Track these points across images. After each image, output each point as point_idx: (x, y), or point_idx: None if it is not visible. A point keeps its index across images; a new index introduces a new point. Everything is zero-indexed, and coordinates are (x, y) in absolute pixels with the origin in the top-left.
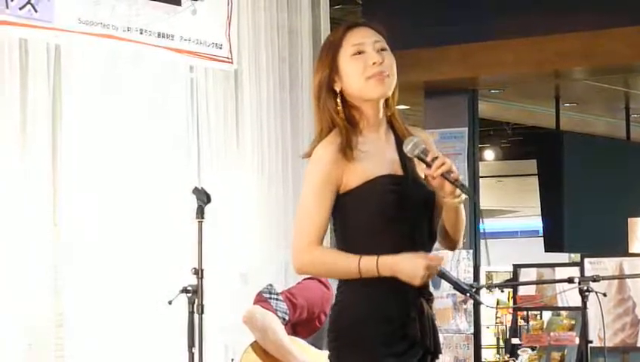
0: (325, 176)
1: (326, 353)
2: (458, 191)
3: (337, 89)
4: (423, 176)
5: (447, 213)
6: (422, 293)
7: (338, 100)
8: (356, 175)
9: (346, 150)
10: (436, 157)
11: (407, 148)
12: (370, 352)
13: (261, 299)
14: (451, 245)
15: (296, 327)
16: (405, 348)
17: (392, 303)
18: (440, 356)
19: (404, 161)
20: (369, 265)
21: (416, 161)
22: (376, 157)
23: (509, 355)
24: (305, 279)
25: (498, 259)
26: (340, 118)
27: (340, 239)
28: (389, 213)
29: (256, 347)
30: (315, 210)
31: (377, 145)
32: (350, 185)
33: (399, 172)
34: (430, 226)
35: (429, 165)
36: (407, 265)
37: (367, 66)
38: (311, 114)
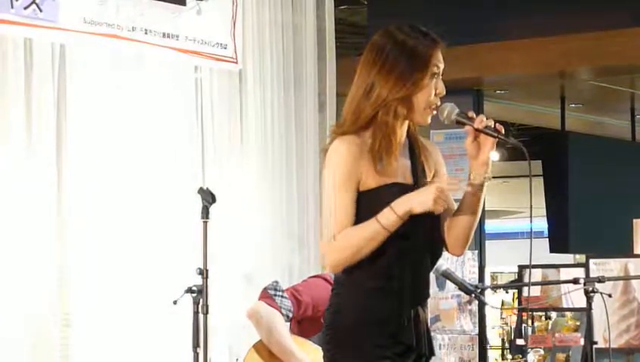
0: (348, 170)
1: None
2: (488, 171)
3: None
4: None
5: (467, 203)
6: (417, 300)
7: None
8: (374, 178)
9: (382, 155)
10: (474, 116)
11: (443, 115)
12: (364, 354)
13: (266, 296)
14: (460, 247)
15: (301, 325)
16: (400, 351)
17: (387, 306)
18: (435, 357)
19: (416, 169)
20: (386, 214)
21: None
22: (392, 163)
23: (520, 356)
24: (311, 277)
25: (503, 260)
26: (394, 120)
27: None
28: None
29: (259, 347)
30: (341, 203)
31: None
32: (365, 187)
33: (409, 180)
34: (436, 235)
35: (470, 123)
36: (418, 193)
37: (435, 94)
38: (316, 113)
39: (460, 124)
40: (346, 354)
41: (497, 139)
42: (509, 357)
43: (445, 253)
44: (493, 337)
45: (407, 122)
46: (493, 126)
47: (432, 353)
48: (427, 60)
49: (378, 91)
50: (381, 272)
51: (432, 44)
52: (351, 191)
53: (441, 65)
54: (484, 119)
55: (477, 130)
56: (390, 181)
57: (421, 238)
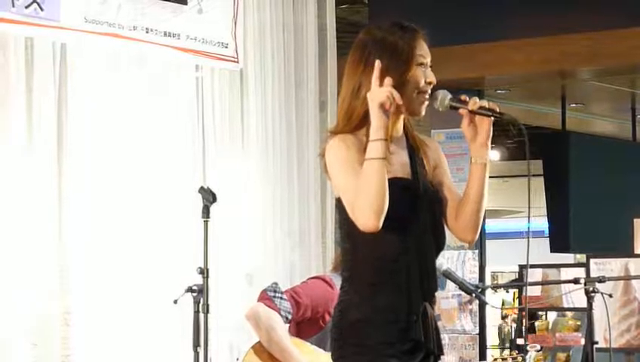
0: (352, 157)
1: (329, 354)
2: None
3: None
4: (430, 180)
5: (472, 185)
6: (425, 296)
7: None
8: None
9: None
10: (467, 99)
11: (436, 103)
12: (373, 351)
13: (265, 297)
14: (470, 232)
15: (300, 326)
16: (408, 349)
17: (396, 304)
18: (443, 357)
19: (415, 165)
20: (368, 146)
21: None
22: (391, 159)
23: (517, 352)
24: (311, 278)
25: (503, 260)
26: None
27: (345, 236)
28: (398, 215)
29: (257, 348)
30: (353, 181)
31: (392, 148)
32: None
33: (409, 176)
34: (437, 229)
35: (464, 106)
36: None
37: (425, 83)
38: (316, 113)
39: (454, 108)
40: (354, 351)
41: (493, 118)
42: (507, 353)
43: (445, 252)
44: (494, 336)
45: (402, 117)
46: (486, 106)
47: (440, 351)
48: (409, 53)
49: (366, 89)
50: (386, 267)
51: (412, 35)
52: (358, 172)
53: (427, 55)
54: (477, 100)
55: (471, 111)
56: (389, 177)
57: (424, 229)
